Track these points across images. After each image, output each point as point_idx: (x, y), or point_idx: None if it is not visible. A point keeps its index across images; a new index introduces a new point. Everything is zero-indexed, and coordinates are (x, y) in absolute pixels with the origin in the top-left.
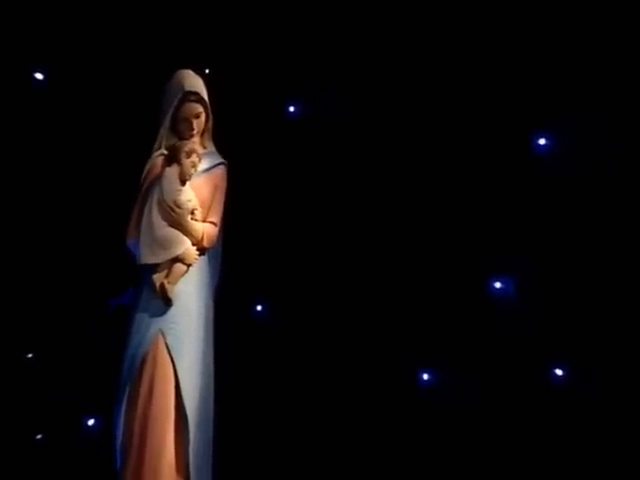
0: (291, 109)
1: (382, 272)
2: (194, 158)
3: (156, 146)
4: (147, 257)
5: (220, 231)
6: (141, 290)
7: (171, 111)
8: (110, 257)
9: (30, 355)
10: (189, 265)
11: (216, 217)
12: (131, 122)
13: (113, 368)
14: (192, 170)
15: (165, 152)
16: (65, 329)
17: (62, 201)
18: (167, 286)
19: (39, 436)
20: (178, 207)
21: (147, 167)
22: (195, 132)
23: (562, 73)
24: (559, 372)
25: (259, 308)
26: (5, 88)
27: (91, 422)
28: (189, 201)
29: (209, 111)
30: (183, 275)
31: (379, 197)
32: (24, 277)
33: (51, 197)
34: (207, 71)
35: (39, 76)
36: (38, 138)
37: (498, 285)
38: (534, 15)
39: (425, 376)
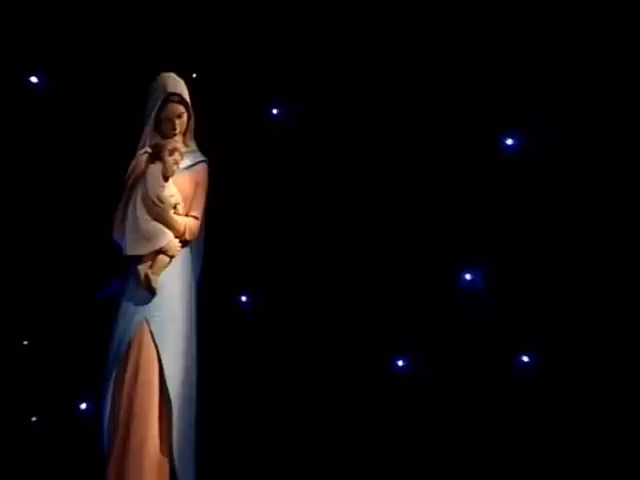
0: (274, 111)
1: (360, 265)
2: (176, 156)
3: (140, 145)
4: (132, 249)
5: (202, 225)
6: (127, 280)
7: (154, 111)
8: (98, 249)
9: (26, 342)
10: (172, 257)
11: (198, 211)
12: (117, 122)
13: (103, 355)
14: (175, 167)
15: (149, 150)
16: (59, 317)
17: (54, 198)
18: (151, 276)
19: (34, 418)
20: (161, 202)
21: (132, 164)
22: (177, 131)
23: (529, 75)
24: (525, 359)
25: (244, 299)
26: None
27: (83, 406)
28: (172, 196)
29: (191, 111)
30: (166, 266)
31: (356, 191)
32: (21, 271)
33: (44, 194)
34: (194, 75)
35: (33, 79)
36: (29, 137)
37: (468, 277)
38: (502, 18)
39: (400, 362)
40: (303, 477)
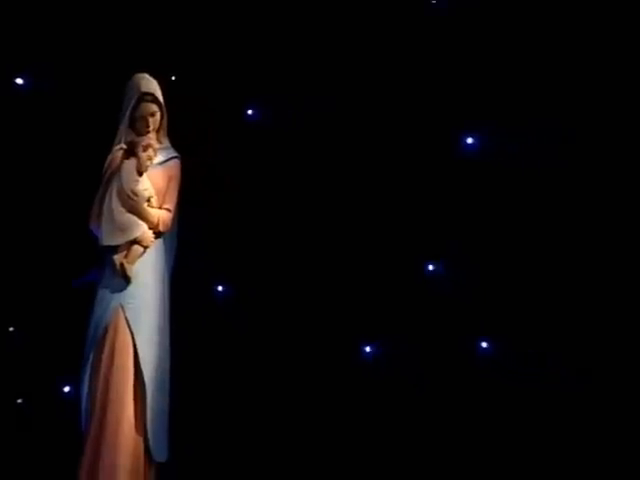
0: (249, 112)
1: (330, 257)
2: (150, 152)
3: (116, 142)
4: (108, 239)
5: (174, 217)
6: (104, 269)
7: (129, 110)
8: (77, 241)
9: (12, 329)
10: (146, 247)
11: (171, 204)
12: (93, 120)
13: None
14: (148, 163)
15: (124, 147)
16: (41, 305)
17: (36, 191)
18: (126, 265)
19: (19, 400)
20: (135, 195)
21: (108, 160)
22: (151, 129)
23: (487, 76)
24: (484, 344)
25: (220, 289)
26: None
27: (67, 389)
28: (145, 190)
29: (164, 110)
30: (140, 256)
31: (324, 184)
32: (5, 262)
33: (27, 188)
34: (173, 78)
35: (19, 80)
36: (9, 133)
37: (431, 267)
38: (460, 17)
39: (367, 349)
40: (275, 458)
